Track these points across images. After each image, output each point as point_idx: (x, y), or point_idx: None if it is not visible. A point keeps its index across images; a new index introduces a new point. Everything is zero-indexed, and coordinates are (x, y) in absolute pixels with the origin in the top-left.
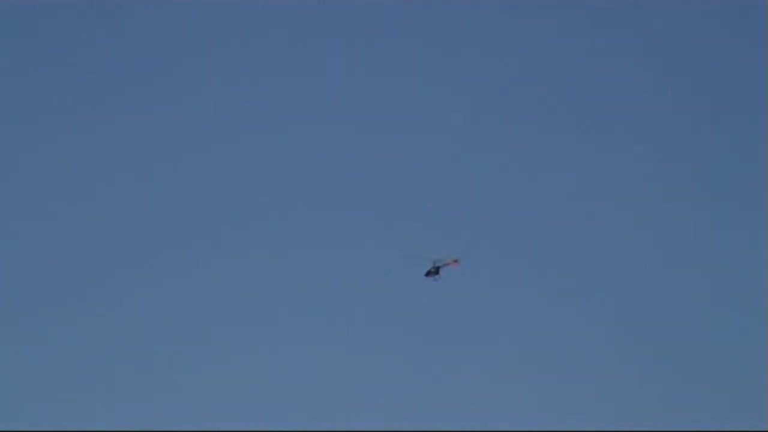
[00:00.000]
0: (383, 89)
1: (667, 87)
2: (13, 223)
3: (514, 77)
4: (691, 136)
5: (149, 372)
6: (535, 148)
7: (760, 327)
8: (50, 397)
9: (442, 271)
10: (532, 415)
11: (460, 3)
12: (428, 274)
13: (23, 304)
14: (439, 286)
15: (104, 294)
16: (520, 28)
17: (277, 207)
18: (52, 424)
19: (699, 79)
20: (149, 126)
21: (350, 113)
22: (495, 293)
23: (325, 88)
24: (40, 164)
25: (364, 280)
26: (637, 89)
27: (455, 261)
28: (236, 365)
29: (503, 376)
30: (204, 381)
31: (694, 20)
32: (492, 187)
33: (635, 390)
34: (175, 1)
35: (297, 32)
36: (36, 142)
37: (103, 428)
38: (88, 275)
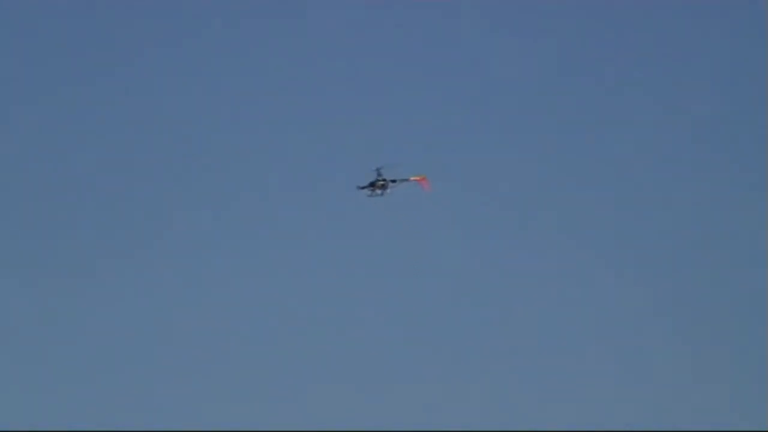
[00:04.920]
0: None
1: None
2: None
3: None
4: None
5: (148, 371)
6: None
7: (760, 327)
8: (50, 397)
9: (394, 186)
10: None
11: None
12: (373, 186)
13: (21, 303)
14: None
15: (102, 291)
16: (522, 29)
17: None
18: (51, 424)
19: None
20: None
21: None
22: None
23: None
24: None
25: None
26: (639, 87)
27: (421, 178)
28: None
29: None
30: (202, 378)
31: (694, 20)
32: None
33: (637, 392)
34: None
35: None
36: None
37: (102, 428)
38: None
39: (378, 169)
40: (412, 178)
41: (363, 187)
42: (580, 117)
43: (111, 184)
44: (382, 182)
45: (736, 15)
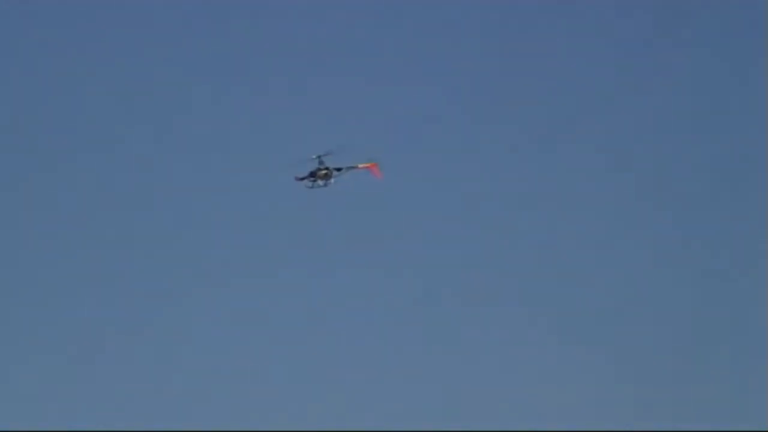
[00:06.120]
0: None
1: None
2: None
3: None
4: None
5: (148, 369)
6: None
7: (760, 327)
8: (50, 397)
9: (339, 176)
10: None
11: None
12: (314, 176)
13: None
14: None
15: (100, 291)
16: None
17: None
18: (51, 424)
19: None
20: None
21: None
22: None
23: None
24: None
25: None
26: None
27: (372, 165)
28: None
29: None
30: (200, 377)
31: (694, 19)
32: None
33: (636, 392)
34: None
35: None
36: None
37: (101, 428)
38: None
39: (319, 157)
40: (360, 166)
41: (301, 178)
42: (572, 115)
43: (104, 179)
44: (324, 171)
45: (736, 15)
